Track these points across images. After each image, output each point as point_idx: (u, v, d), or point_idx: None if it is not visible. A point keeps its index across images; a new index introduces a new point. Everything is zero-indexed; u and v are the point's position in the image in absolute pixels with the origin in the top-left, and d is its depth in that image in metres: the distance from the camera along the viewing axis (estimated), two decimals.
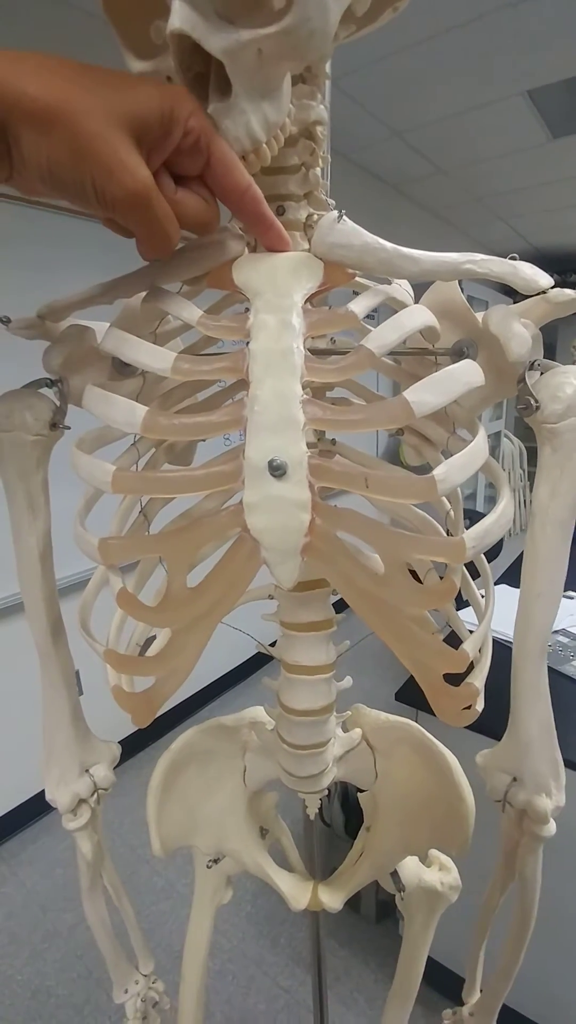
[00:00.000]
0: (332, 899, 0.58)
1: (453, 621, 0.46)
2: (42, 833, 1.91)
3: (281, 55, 0.32)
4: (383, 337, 0.34)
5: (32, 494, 0.45)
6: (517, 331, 0.36)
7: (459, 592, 0.38)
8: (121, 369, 0.44)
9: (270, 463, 0.32)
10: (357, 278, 0.40)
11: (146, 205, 0.29)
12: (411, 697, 1.15)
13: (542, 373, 0.38)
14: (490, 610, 0.42)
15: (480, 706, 0.39)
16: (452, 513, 0.45)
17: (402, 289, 0.43)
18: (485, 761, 0.47)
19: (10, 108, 0.26)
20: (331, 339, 0.46)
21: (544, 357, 0.39)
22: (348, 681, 0.51)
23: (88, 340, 0.42)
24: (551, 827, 0.44)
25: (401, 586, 0.35)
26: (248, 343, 0.34)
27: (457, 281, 0.39)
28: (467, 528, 0.35)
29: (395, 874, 0.61)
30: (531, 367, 0.37)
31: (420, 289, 0.45)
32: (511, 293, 4.19)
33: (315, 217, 0.40)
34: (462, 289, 0.43)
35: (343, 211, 0.36)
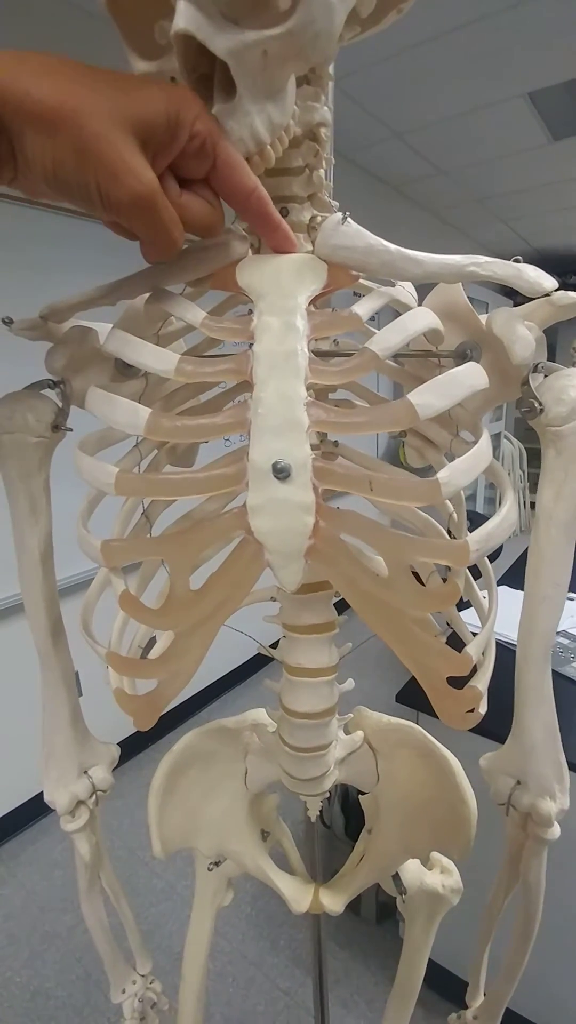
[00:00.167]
0: (333, 902, 0.58)
1: (455, 623, 0.46)
2: (41, 834, 1.90)
3: (286, 56, 0.31)
4: (387, 339, 0.34)
5: (34, 496, 0.45)
6: (521, 334, 0.36)
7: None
8: (124, 371, 0.44)
9: (274, 466, 0.32)
10: (360, 280, 0.40)
11: (151, 208, 0.29)
12: (412, 699, 1.15)
13: (545, 376, 0.38)
14: (493, 612, 0.42)
15: (483, 709, 0.38)
16: (455, 515, 0.45)
17: (405, 291, 0.43)
18: (489, 764, 0.47)
19: (14, 110, 0.26)
20: (334, 341, 0.46)
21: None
22: (350, 683, 0.51)
23: (91, 341, 0.42)
24: (555, 830, 0.44)
25: (404, 589, 0.34)
26: (252, 345, 0.34)
27: (460, 283, 0.39)
28: (468, 530, 0.35)
29: (396, 877, 0.61)
30: (534, 370, 0.37)
31: (422, 291, 0.44)
32: (512, 295, 4.20)
33: (318, 219, 0.40)
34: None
35: (347, 213, 0.36)
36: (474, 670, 0.39)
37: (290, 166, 0.39)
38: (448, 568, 0.39)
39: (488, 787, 0.49)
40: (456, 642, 0.40)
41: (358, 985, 1.41)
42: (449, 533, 0.46)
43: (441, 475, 0.32)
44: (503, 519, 0.35)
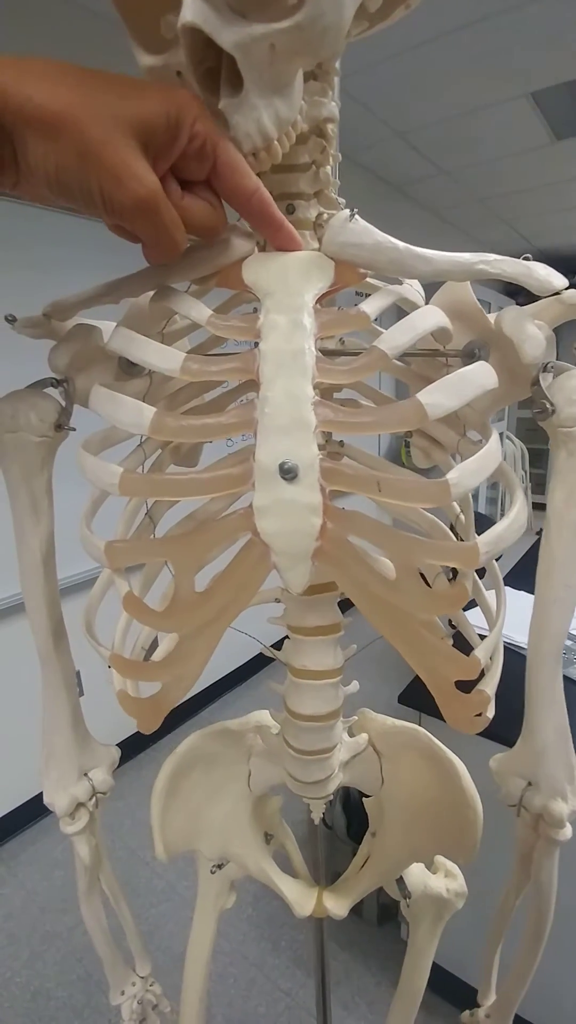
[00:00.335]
0: (337, 906, 0.58)
1: (462, 625, 0.45)
2: (41, 834, 1.90)
3: (294, 50, 0.31)
4: (396, 338, 0.33)
5: (36, 496, 0.44)
6: (531, 333, 0.35)
7: None
8: (127, 369, 0.43)
9: (281, 466, 0.32)
10: (367, 279, 0.40)
11: (153, 211, 0.29)
12: (414, 700, 1.15)
13: (555, 376, 0.37)
14: (502, 615, 0.41)
15: (491, 713, 0.38)
16: (462, 517, 0.44)
17: (413, 290, 0.43)
18: (499, 766, 0.46)
19: (16, 115, 0.26)
20: (339, 340, 0.46)
21: None
22: (355, 686, 0.51)
23: (95, 339, 0.41)
24: (567, 831, 0.44)
25: (413, 591, 0.34)
26: (258, 344, 0.34)
27: (468, 282, 0.39)
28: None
29: (400, 880, 0.61)
30: (544, 369, 0.37)
31: (428, 290, 0.44)
32: (513, 294, 4.19)
33: (325, 216, 0.40)
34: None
35: (355, 210, 0.35)
36: (481, 673, 0.38)
37: (296, 162, 0.38)
38: (454, 570, 0.39)
39: (492, 790, 0.49)
40: (460, 642, 0.39)
41: (359, 986, 1.41)
42: (454, 534, 0.45)
43: (451, 476, 0.31)
44: (513, 520, 0.34)
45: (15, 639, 1.78)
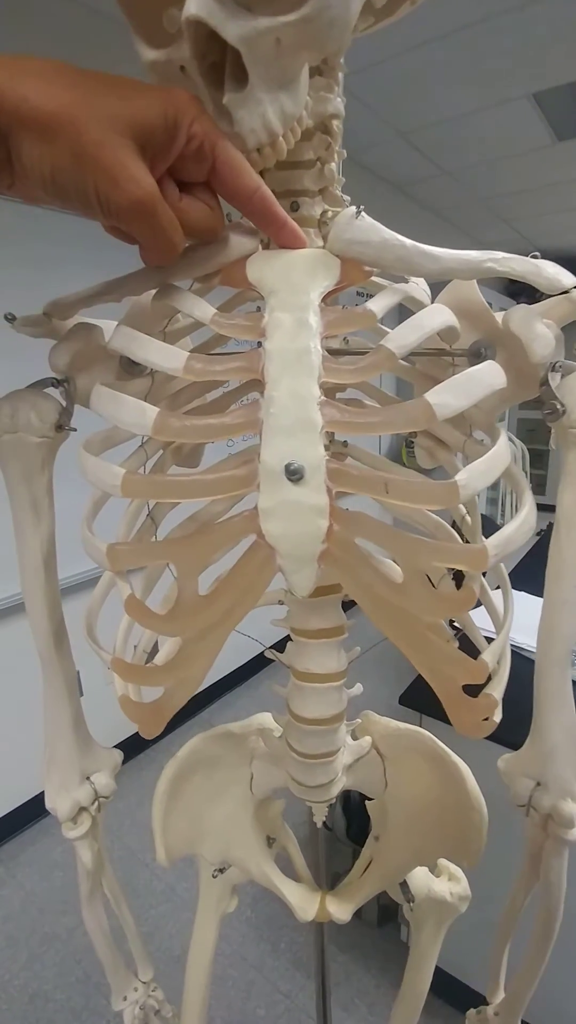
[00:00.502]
0: (340, 910, 0.57)
1: (469, 628, 0.45)
2: (41, 835, 1.89)
3: (300, 44, 0.30)
4: (403, 337, 0.33)
5: (36, 497, 0.44)
6: (540, 332, 0.35)
7: None
8: (129, 368, 0.43)
9: (287, 467, 0.31)
10: (372, 277, 0.39)
11: (151, 213, 0.28)
12: (415, 701, 1.15)
13: (563, 376, 0.36)
14: (509, 619, 0.41)
15: (498, 717, 0.37)
16: (468, 519, 0.44)
17: (419, 288, 0.42)
18: (507, 766, 0.46)
19: (11, 116, 0.25)
20: (344, 339, 0.45)
21: None
22: (359, 688, 0.50)
23: (96, 338, 0.41)
24: None
25: (419, 594, 0.33)
26: (262, 343, 0.33)
27: (475, 280, 0.38)
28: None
29: (404, 884, 0.60)
30: (552, 369, 0.36)
31: (434, 289, 0.43)
32: (514, 295, 4.18)
33: (329, 213, 0.39)
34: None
35: (361, 207, 0.35)
36: (488, 677, 0.38)
37: (301, 159, 0.38)
38: (460, 572, 0.38)
39: (496, 793, 0.48)
40: (466, 645, 0.39)
41: (359, 988, 1.41)
42: (460, 535, 0.45)
43: (459, 477, 0.31)
44: (522, 523, 0.34)
45: (15, 639, 1.77)
